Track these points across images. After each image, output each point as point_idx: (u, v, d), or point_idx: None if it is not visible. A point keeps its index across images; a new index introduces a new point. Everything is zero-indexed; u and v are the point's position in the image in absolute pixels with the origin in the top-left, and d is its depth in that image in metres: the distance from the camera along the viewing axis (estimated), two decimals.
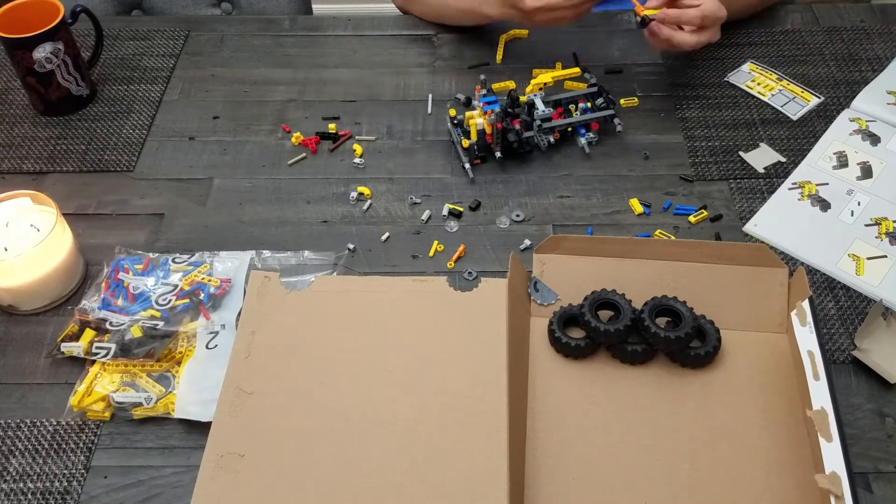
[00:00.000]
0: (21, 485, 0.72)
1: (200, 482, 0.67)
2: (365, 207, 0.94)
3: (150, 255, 0.87)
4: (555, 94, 1.01)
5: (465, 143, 0.96)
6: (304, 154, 1.00)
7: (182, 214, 0.94)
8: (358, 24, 1.19)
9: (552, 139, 0.97)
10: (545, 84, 0.99)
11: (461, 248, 0.89)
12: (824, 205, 0.91)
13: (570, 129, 0.99)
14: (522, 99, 0.99)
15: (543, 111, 0.97)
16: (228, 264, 0.86)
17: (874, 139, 0.98)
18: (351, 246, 0.89)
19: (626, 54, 1.12)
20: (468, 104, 1.03)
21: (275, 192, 0.96)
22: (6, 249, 0.81)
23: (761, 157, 0.98)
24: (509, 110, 0.97)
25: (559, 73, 1.01)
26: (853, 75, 1.08)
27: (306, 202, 0.95)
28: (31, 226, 0.84)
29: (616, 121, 0.98)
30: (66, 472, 0.72)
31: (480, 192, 0.95)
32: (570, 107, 0.99)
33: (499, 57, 1.11)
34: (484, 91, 0.97)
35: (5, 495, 0.71)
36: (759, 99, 1.05)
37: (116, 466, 0.73)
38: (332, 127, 1.02)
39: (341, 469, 0.67)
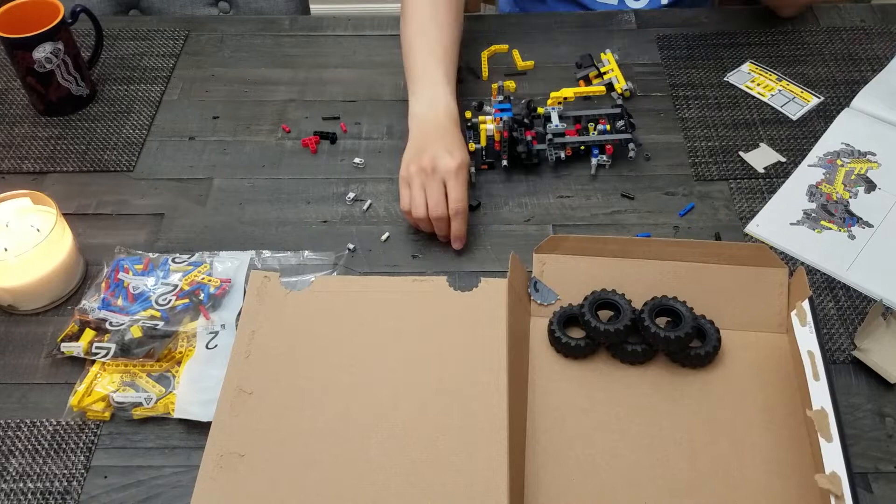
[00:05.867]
0: (21, 485, 0.72)
1: (200, 482, 0.67)
2: (365, 207, 0.94)
3: (150, 255, 0.87)
4: (577, 110, 0.98)
5: (472, 146, 0.95)
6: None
7: (182, 214, 0.94)
8: (358, 24, 1.19)
9: (563, 155, 0.95)
10: (565, 98, 0.98)
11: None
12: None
13: (582, 147, 0.96)
14: (540, 110, 0.98)
15: (557, 126, 0.96)
16: (228, 264, 0.86)
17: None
18: (351, 246, 0.89)
19: (626, 54, 1.11)
20: (480, 108, 1.03)
21: (275, 192, 0.96)
22: (6, 249, 0.81)
23: (761, 157, 0.98)
24: (525, 120, 0.96)
25: (583, 89, 1.00)
26: (853, 75, 1.08)
27: (306, 202, 0.95)
28: (31, 226, 0.84)
29: (631, 146, 0.95)
30: (66, 472, 0.72)
31: (480, 191, 0.95)
32: (589, 125, 0.97)
33: (484, 73, 1.09)
34: (500, 97, 0.96)
35: (5, 495, 0.71)
36: (758, 99, 1.05)
37: (116, 466, 0.73)
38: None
39: (341, 469, 0.67)
